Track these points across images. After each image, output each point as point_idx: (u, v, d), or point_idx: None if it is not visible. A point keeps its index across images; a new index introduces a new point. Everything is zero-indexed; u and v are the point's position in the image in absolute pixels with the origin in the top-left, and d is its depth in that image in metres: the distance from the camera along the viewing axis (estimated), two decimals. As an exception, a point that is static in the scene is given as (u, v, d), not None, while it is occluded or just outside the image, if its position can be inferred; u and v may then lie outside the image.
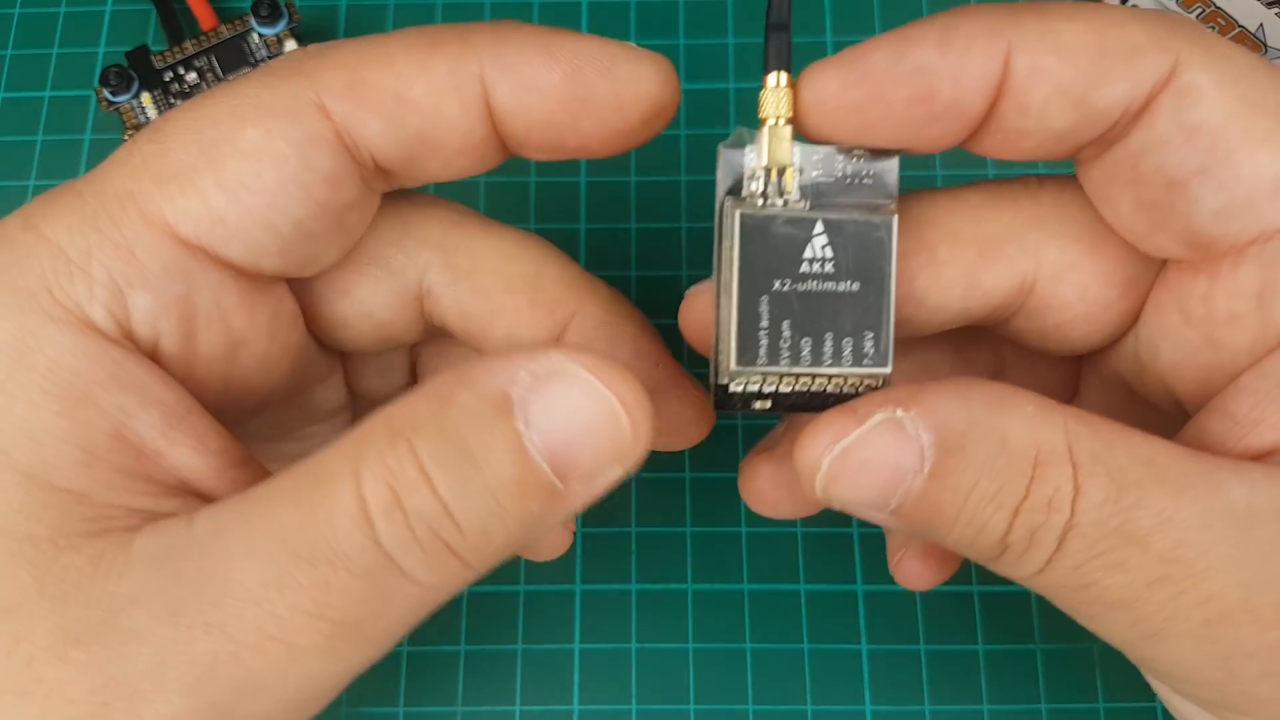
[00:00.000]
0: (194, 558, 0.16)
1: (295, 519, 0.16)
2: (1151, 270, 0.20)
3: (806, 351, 0.18)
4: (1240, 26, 0.30)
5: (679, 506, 0.29)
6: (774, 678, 0.27)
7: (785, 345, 0.18)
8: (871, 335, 0.18)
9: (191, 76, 0.31)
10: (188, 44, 0.31)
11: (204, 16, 0.31)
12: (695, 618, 0.28)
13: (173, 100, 0.31)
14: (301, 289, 0.20)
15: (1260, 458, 0.17)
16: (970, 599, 0.28)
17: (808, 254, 0.18)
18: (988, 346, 0.24)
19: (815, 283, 0.18)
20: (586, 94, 0.18)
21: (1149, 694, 0.27)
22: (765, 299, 0.18)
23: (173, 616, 0.16)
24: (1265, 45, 0.29)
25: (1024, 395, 0.17)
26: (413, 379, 0.25)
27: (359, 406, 0.26)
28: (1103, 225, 0.19)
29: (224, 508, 0.17)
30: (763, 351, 0.18)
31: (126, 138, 0.30)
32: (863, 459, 0.17)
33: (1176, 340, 0.19)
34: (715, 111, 0.32)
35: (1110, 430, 0.17)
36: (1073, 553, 0.16)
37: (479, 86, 0.18)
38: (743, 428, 0.29)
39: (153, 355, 0.18)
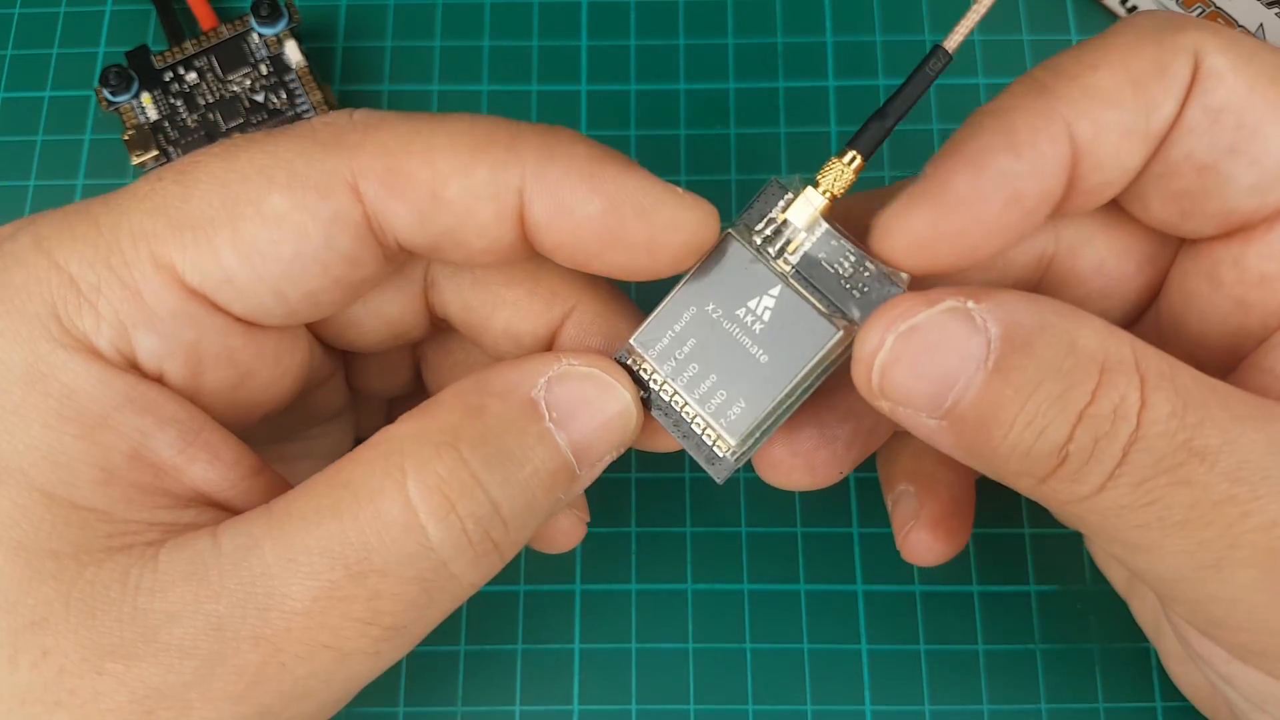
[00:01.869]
0: (230, 573, 0.17)
1: (338, 532, 0.17)
2: (1169, 248, 0.20)
3: (689, 375, 0.19)
4: (1240, 26, 0.30)
5: (679, 506, 0.29)
6: (774, 678, 0.27)
7: (679, 357, 0.19)
8: (743, 406, 0.19)
9: (191, 76, 0.31)
10: (188, 44, 0.31)
11: (204, 16, 0.31)
12: (695, 618, 0.28)
13: (173, 100, 0.31)
14: None
15: None
16: (970, 599, 0.28)
17: (751, 304, 0.19)
18: None
19: (738, 330, 0.19)
20: (620, 230, 0.18)
21: (1149, 694, 0.27)
22: (693, 309, 0.19)
23: (216, 631, 0.16)
24: (1265, 45, 0.30)
25: (1091, 313, 0.17)
26: (415, 375, 0.25)
27: (362, 405, 0.26)
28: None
29: (249, 521, 0.17)
30: (659, 347, 0.19)
31: (126, 138, 0.30)
32: (928, 341, 0.16)
33: (1204, 308, 0.19)
34: (715, 112, 0.32)
35: (1171, 356, 0.17)
36: (1137, 467, 0.16)
37: (516, 199, 0.18)
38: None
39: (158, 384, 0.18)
